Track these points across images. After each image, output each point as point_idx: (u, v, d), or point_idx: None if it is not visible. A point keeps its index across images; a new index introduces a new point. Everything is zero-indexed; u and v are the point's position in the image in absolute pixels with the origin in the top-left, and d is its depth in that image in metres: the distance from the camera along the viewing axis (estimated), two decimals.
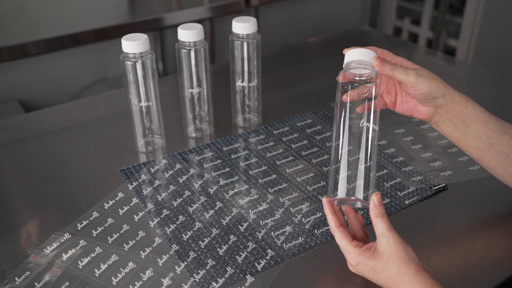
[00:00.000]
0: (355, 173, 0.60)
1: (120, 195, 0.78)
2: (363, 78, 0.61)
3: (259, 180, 0.81)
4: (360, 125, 0.60)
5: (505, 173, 0.67)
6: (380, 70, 0.61)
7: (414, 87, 0.63)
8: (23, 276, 0.64)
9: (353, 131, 0.60)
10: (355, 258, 0.59)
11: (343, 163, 0.60)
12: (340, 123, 0.61)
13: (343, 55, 0.64)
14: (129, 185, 0.80)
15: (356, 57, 0.61)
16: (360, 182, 0.59)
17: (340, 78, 0.63)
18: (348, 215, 0.64)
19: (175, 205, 0.76)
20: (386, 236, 0.57)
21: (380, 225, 0.57)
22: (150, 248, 0.68)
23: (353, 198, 0.59)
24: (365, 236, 0.63)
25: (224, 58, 1.99)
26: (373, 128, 0.61)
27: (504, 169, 0.66)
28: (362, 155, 0.60)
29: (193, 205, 0.76)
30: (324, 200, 0.62)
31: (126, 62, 0.79)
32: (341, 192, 0.60)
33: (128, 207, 0.75)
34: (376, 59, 0.61)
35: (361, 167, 0.59)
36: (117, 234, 0.70)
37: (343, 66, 0.63)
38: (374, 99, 0.61)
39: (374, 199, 0.58)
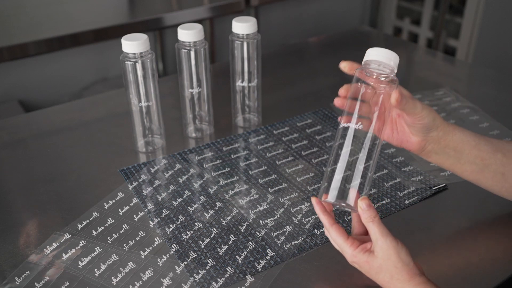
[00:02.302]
0: (349, 179, 0.59)
1: (120, 195, 0.78)
2: (382, 79, 0.59)
3: (259, 180, 0.81)
4: (358, 127, 0.59)
5: (502, 190, 0.67)
6: (397, 104, 0.58)
7: (418, 117, 0.61)
8: (23, 276, 0.64)
9: (355, 135, 0.59)
10: (350, 257, 0.59)
11: (338, 167, 0.59)
12: (341, 127, 0.60)
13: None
14: (129, 185, 0.80)
15: (377, 58, 0.59)
16: (353, 188, 0.58)
17: (357, 73, 0.61)
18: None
19: (175, 205, 0.76)
20: (380, 241, 0.56)
21: (372, 230, 0.57)
22: (150, 248, 0.68)
23: (343, 204, 0.59)
24: (365, 230, 0.62)
25: (224, 58, 1.99)
26: (374, 136, 0.60)
27: (501, 187, 0.67)
28: (360, 161, 0.59)
29: (193, 205, 0.76)
30: (314, 200, 0.61)
31: (126, 62, 0.79)
32: (331, 197, 0.59)
33: (128, 207, 0.75)
34: (397, 92, 0.58)
35: (357, 173, 0.59)
36: (117, 234, 0.70)
37: (362, 63, 0.61)
38: (382, 108, 0.60)
39: (362, 205, 0.57)
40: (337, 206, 0.60)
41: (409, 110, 0.60)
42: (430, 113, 0.62)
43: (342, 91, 0.63)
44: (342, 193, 0.59)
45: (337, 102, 0.63)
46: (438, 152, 0.64)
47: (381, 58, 0.59)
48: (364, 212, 0.57)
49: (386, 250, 0.56)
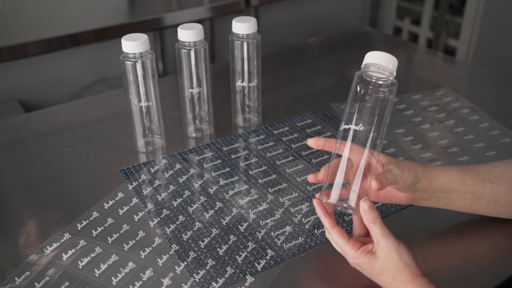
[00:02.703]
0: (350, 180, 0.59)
1: (120, 195, 0.78)
2: (380, 82, 0.59)
3: (259, 180, 0.81)
4: (358, 128, 0.59)
5: (499, 213, 0.68)
6: (379, 190, 0.58)
7: (401, 182, 0.61)
8: (23, 276, 0.64)
9: (357, 137, 0.59)
10: (352, 259, 0.59)
11: (340, 168, 0.59)
12: (342, 129, 0.60)
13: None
14: (129, 185, 0.80)
15: (376, 61, 0.59)
16: (354, 190, 0.58)
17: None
18: None
19: (175, 205, 0.76)
20: (382, 242, 0.56)
21: (374, 231, 0.57)
22: (150, 248, 0.68)
23: (345, 205, 0.59)
24: (366, 231, 0.63)
25: (224, 58, 1.99)
26: (374, 137, 0.59)
27: (497, 211, 0.67)
28: (361, 162, 0.59)
29: (193, 205, 0.76)
30: (315, 202, 0.61)
31: (126, 62, 0.79)
32: (333, 198, 0.59)
33: (128, 207, 0.75)
34: (375, 181, 0.57)
35: (358, 175, 0.59)
36: (117, 234, 0.70)
37: (362, 67, 0.61)
38: (386, 107, 0.60)
39: (364, 206, 0.57)
40: (339, 208, 0.60)
41: (391, 183, 0.60)
42: (410, 173, 0.61)
43: (320, 175, 0.63)
44: (345, 195, 0.59)
45: (311, 178, 0.64)
46: (428, 198, 0.65)
47: (380, 61, 0.59)
48: (366, 214, 0.57)
49: (388, 251, 0.56)
